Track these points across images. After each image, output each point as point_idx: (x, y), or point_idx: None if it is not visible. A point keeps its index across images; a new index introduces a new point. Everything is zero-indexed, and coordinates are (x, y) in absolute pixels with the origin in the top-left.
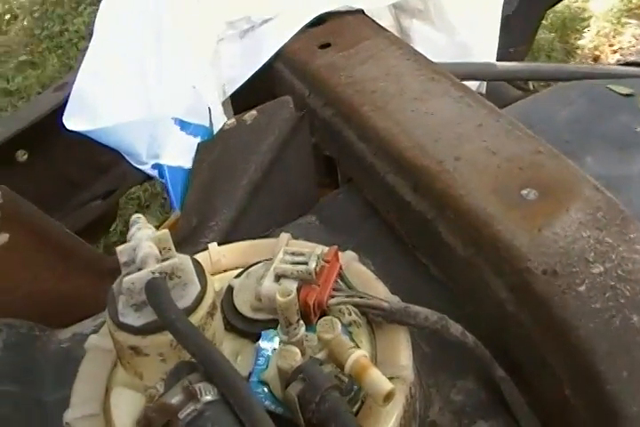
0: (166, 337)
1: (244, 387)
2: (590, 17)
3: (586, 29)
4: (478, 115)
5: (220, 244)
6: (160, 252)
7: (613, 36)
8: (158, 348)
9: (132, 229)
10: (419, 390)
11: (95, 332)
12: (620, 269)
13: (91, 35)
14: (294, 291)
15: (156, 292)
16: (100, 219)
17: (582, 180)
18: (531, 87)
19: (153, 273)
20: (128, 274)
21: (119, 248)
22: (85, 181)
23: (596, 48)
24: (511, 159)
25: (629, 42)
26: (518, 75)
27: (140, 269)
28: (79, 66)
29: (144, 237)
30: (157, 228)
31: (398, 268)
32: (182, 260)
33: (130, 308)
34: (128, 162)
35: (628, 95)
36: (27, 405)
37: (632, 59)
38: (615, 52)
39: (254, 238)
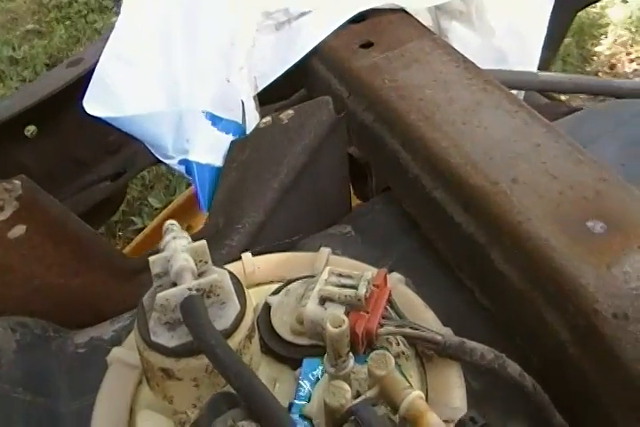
0: (202, 361)
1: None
2: (608, 24)
3: (603, 36)
4: (536, 133)
5: (246, 248)
6: (196, 264)
7: (631, 45)
8: (192, 373)
9: (167, 238)
10: None
11: (114, 337)
12: None
13: (100, 8)
14: (347, 321)
15: (193, 312)
16: (107, 201)
17: None
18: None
19: (190, 290)
20: (160, 287)
21: (152, 258)
22: (94, 161)
23: (612, 56)
24: (574, 186)
25: None
26: (560, 87)
27: (174, 284)
28: (93, 40)
29: (179, 248)
30: (162, 209)
31: (438, 290)
32: (221, 275)
33: (162, 326)
34: (141, 146)
35: None
36: (39, 415)
37: None
38: (632, 61)
39: (281, 244)
